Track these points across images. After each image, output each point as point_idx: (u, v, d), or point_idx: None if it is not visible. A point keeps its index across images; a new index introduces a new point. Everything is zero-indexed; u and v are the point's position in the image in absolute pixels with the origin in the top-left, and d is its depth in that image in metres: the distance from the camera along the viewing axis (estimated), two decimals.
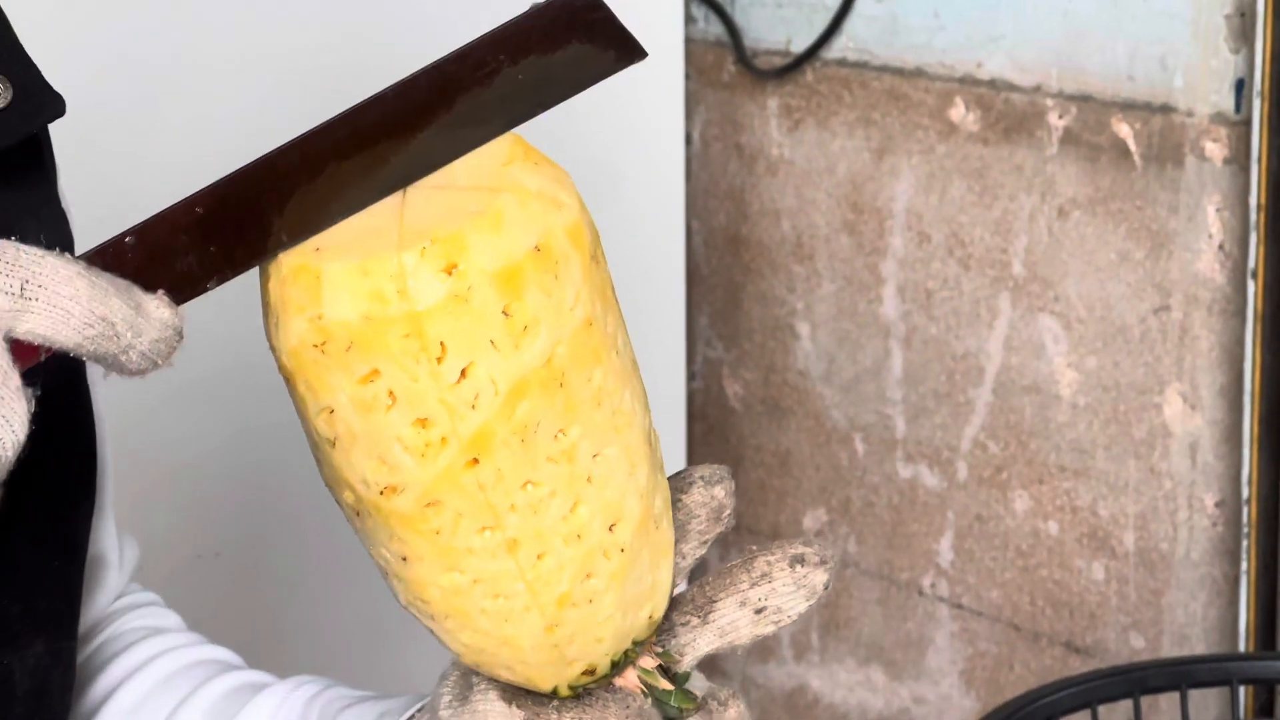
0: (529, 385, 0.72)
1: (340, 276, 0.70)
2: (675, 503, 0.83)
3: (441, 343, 0.70)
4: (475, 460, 0.72)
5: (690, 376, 1.99)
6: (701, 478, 0.83)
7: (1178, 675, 1.34)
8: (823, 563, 0.81)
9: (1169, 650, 1.64)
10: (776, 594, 0.81)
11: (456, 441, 0.72)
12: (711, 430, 1.99)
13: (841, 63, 1.83)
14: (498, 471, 0.72)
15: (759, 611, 0.81)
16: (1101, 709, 1.32)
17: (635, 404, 0.77)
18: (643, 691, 0.80)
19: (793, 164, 1.89)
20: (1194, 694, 1.35)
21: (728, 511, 0.83)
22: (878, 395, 1.84)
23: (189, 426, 1.63)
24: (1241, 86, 1.55)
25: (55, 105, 0.90)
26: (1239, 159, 1.55)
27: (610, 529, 0.76)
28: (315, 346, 0.71)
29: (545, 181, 0.73)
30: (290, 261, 0.72)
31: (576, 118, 1.84)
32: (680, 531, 0.83)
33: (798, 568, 0.81)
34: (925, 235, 1.78)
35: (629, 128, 1.89)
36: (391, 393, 0.71)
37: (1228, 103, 1.55)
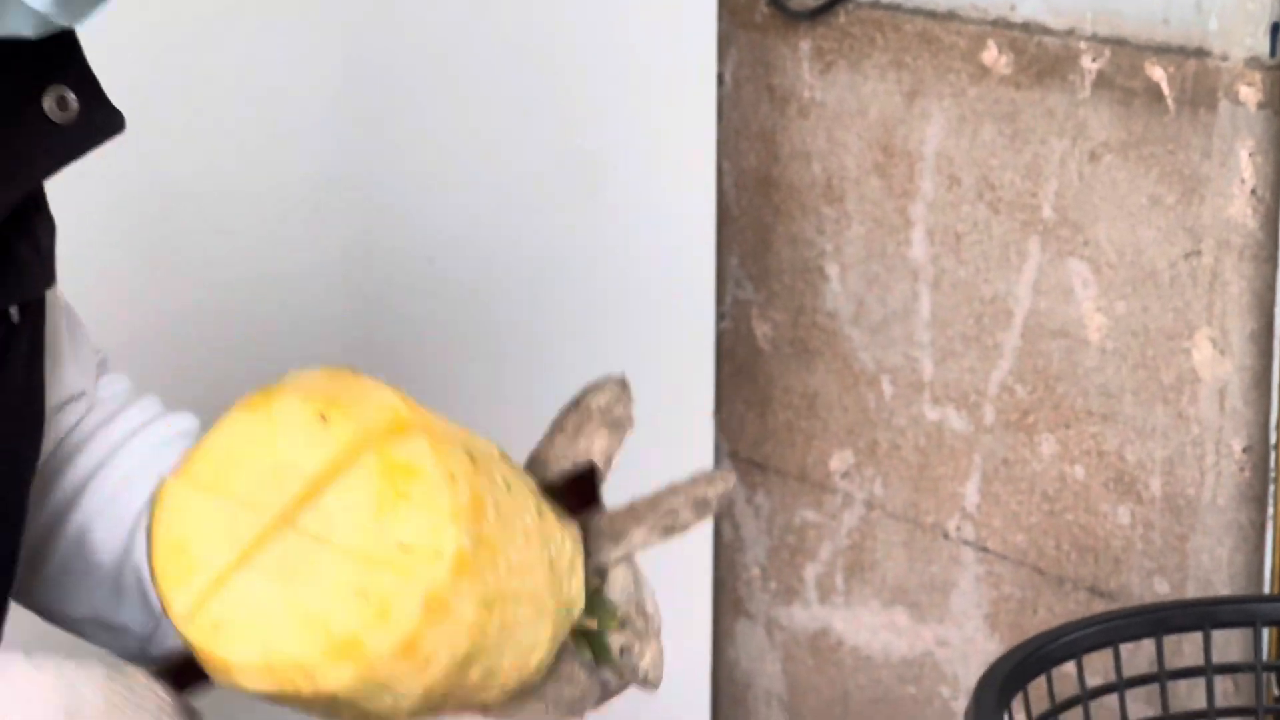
0: (437, 686, 0.77)
1: (250, 670, 0.74)
2: (580, 429, 0.87)
3: (359, 704, 0.75)
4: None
5: (720, 317, 1.99)
6: (599, 408, 0.87)
7: (1201, 616, 1.34)
8: (725, 499, 0.87)
9: (1193, 595, 1.64)
10: (683, 523, 0.87)
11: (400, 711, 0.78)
12: (740, 371, 1.99)
13: (874, 5, 1.83)
14: (443, 696, 0.79)
15: (667, 531, 0.87)
16: (1124, 649, 1.32)
17: (527, 574, 0.80)
18: (574, 639, 0.86)
19: (824, 106, 1.89)
20: (1217, 635, 1.35)
21: (627, 420, 0.88)
22: (905, 338, 1.84)
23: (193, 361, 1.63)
24: (1277, 30, 1.54)
25: (115, 121, 0.92)
26: (1273, 103, 1.55)
27: (530, 661, 0.82)
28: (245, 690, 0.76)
29: (420, 520, 0.74)
30: (198, 640, 0.74)
31: (610, 59, 1.84)
32: (587, 448, 0.87)
33: (702, 510, 0.87)
34: (955, 179, 1.78)
35: (661, 68, 1.88)
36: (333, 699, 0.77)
37: (1263, 47, 1.55)
